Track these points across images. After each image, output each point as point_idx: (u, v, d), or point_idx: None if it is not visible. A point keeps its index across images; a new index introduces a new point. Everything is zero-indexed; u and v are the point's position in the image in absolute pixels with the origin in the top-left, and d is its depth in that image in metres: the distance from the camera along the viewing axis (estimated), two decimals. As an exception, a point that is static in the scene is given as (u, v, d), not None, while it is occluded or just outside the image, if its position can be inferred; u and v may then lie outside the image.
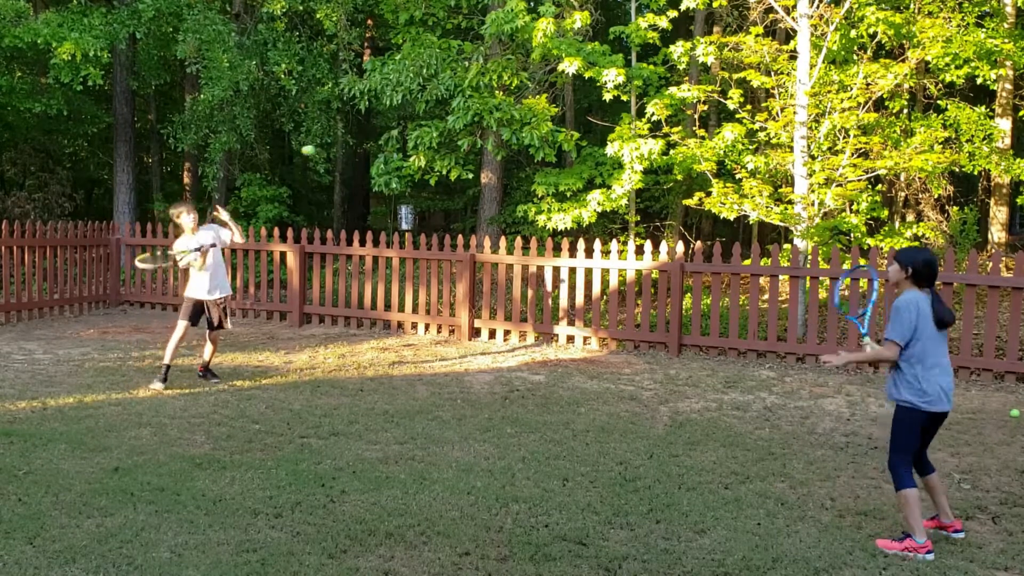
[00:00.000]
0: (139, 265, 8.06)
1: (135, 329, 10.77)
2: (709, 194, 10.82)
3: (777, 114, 10.90)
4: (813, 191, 10.17)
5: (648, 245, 9.94)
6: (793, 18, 10.44)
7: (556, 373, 8.51)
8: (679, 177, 12.93)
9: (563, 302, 10.34)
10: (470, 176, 13.40)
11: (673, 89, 11.79)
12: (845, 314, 5.21)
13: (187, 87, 18.06)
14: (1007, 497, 5.04)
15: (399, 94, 12.89)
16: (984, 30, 11.28)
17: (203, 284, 7.66)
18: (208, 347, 7.84)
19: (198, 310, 7.69)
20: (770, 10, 12.00)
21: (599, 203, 11.82)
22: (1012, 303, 8.27)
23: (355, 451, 5.66)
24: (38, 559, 3.88)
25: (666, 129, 11.61)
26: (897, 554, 4.16)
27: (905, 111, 13.29)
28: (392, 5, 14.38)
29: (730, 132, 11.18)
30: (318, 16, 14.97)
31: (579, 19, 11.84)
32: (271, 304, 11.83)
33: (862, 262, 4.85)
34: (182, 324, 7.59)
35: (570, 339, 10.18)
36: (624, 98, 12.22)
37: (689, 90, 11.66)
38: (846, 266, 9.12)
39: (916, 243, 11.00)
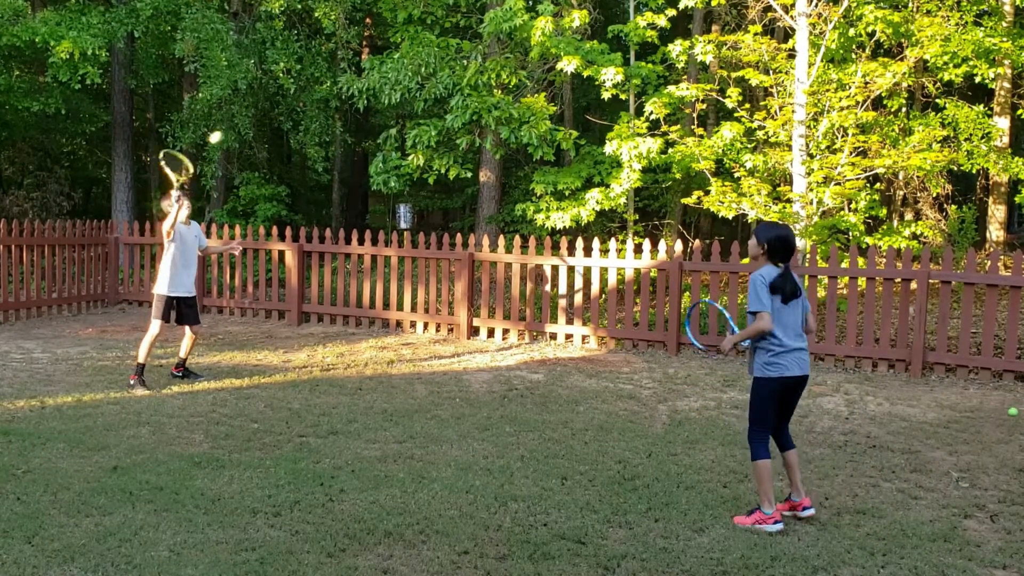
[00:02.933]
0: (163, 161, 7.54)
1: (133, 328, 10.76)
2: (708, 193, 10.83)
3: (776, 113, 10.90)
4: (811, 190, 10.18)
5: (647, 244, 9.95)
6: (792, 16, 10.44)
7: (555, 372, 8.51)
8: (678, 176, 12.94)
9: (562, 301, 10.34)
10: (469, 175, 13.40)
11: (672, 88, 11.79)
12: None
13: (185, 86, 18.03)
14: (1005, 495, 5.04)
15: (397, 93, 12.88)
16: (982, 29, 11.30)
17: (173, 280, 7.46)
18: (185, 342, 7.65)
19: (170, 306, 7.49)
20: (769, 9, 12.00)
21: (598, 202, 11.82)
22: (1010, 302, 8.28)
23: (354, 450, 5.66)
24: (36, 558, 3.88)
25: (664, 128, 11.62)
26: (750, 528, 4.37)
27: (903, 110, 13.30)
28: (391, 4, 14.38)
29: (728, 131, 11.19)
30: (316, 15, 14.97)
31: (577, 18, 11.84)
32: (270, 303, 11.82)
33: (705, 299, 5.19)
34: (156, 323, 7.39)
35: (569, 338, 10.18)
36: (623, 97, 12.22)
37: (688, 89, 11.67)
38: (844, 264, 9.13)
39: (914, 242, 11.01)
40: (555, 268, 10.34)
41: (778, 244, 4.48)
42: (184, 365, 7.74)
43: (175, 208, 7.33)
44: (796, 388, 4.55)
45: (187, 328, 7.66)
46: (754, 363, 4.53)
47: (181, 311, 7.59)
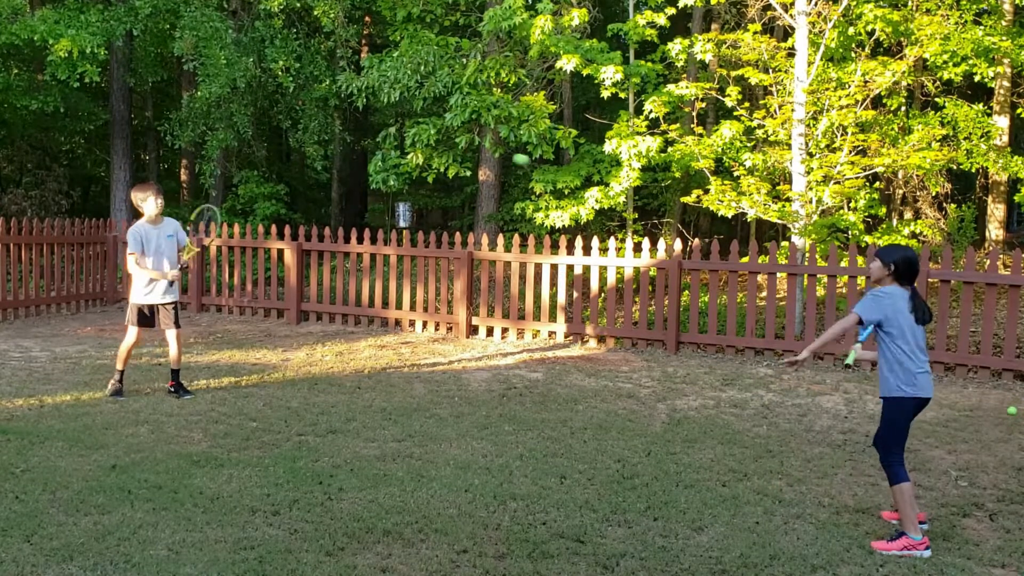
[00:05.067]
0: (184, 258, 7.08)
1: (132, 326, 10.75)
2: (707, 191, 10.83)
3: (775, 111, 10.89)
4: (811, 188, 10.17)
5: (646, 243, 9.94)
6: (791, 15, 10.43)
7: (554, 371, 8.51)
8: (677, 175, 12.93)
9: (561, 300, 10.33)
10: (468, 173, 13.38)
11: (671, 86, 11.78)
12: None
13: (184, 84, 18.02)
14: (1004, 494, 5.04)
15: (397, 91, 12.87)
16: (982, 27, 11.29)
17: (137, 289, 6.97)
18: (171, 352, 7.04)
19: (145, 314, 7.01)
20: (768, 7, 11.99)
21: (597, 200, 11.81)
22: (1009, 301, 8.28)
23: (353, 449, 5.66)
24: (35, 557, 3.88)
25: (664, 126, 11.61)
26: (894, 554, 4.14)
27: (903, 108, 13.31)
28: (390, 2, 14.37)
29: (728, 129, 11.19)
30: (316, 13, 14.95)
31: (577, 16, 11.83)
32: (268, 302, 11.81)
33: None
34: (132, 330, 6.99)
35: (568, 337, 10.18)
36: (622, 95, 12.21)
37: (687, 87, 11.65)
38: (844, 263, 9.13)
39: (913, 240, 11.01)
40: (554, 267, 10.33)
41: (905, 265, 4.40)
42: (176, 379, 7.06)
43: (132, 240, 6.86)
44: (920, 408, 4.48)
45: (167, 335, 7.09)
46: (889, 383, 4.39)
47: (155, 316, 7.06)
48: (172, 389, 7.07)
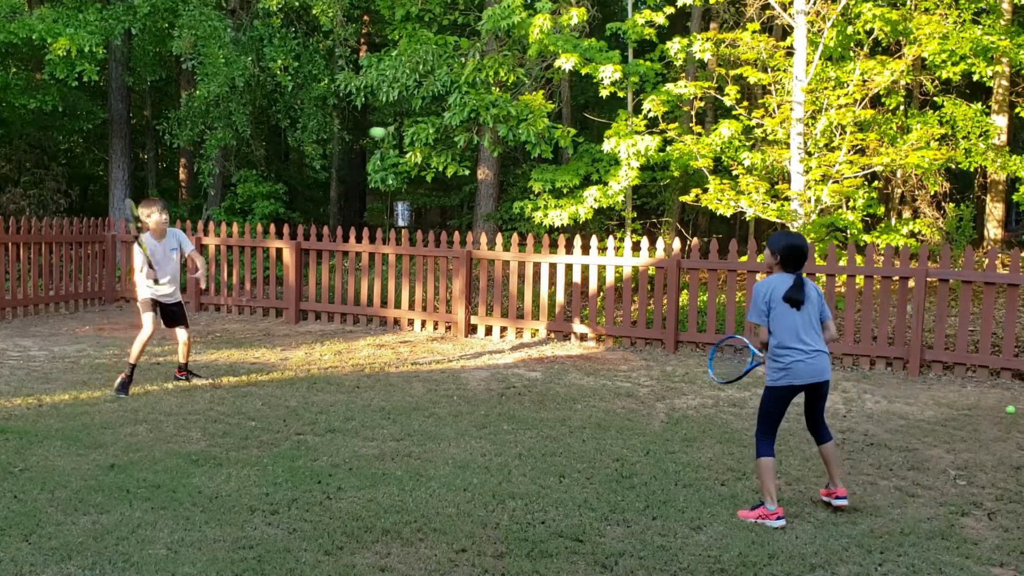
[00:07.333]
0: (129, 204, 7.62)
1: (131, 326, 10.73)
2: (706, 191, 10.83)
3: (774, 111, 10.90)
4: (810, 188, 10.18)
5: (645, 242, 9.94)
6: (790, 14, 10.43)
7: (553, 370, 8.51)
8: (676, 174, 12.93)
9: (559, 299, 10.33)
10: (467, 172, 13.38)
11: (670, 85, 11.79)
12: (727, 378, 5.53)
13: (183, 83, 18.01)
14: (1003, 493, 5.05)
15: (395, 90, 12.86)
16: (980, 27, 11.30)
17: (153, 287, 7.29)
18: (180, 348, 7.51)
19: (156, 306, 7.31)
20: (767, 6, 11.99)
21: (596, 199, 11.82)
22: (1008, 300, 8.28)
23: (351, 448, 5.66)
24: (34, 556, 3.87)
25: (663, 125, 11.61)
26: (755, 522, 4.45)
27: (902, 108, 13.32)
28: (388, 1, 14.36)
29: (727, 129, 11.19)
30: (314, 12, 14.94)
31: (575, 15, 11.82)
32: (267, 301, 11.81)
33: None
34: (148, 320, 7.18)
35: (567, 336, 10.18)
36: (621, 94, 12.21)
37: (686, 86, 11.66)
38: (842, 263, 9.13)
39: (912, 240, 11.01)
40: (552, 266, 10.32)
41: (789, 252, 4.67)
42: (186, 368, 7.61)
43: (138, 254, 7.17)
44: (814, 392, 4.70)
45: (177, 332, 7.49)
46: (768, 373, 4.66)
47: (166, 314, 7.41)
48: (181, 377, 7.60)
